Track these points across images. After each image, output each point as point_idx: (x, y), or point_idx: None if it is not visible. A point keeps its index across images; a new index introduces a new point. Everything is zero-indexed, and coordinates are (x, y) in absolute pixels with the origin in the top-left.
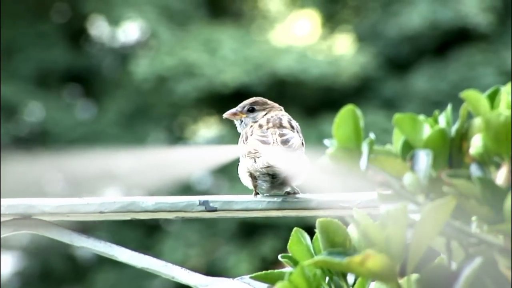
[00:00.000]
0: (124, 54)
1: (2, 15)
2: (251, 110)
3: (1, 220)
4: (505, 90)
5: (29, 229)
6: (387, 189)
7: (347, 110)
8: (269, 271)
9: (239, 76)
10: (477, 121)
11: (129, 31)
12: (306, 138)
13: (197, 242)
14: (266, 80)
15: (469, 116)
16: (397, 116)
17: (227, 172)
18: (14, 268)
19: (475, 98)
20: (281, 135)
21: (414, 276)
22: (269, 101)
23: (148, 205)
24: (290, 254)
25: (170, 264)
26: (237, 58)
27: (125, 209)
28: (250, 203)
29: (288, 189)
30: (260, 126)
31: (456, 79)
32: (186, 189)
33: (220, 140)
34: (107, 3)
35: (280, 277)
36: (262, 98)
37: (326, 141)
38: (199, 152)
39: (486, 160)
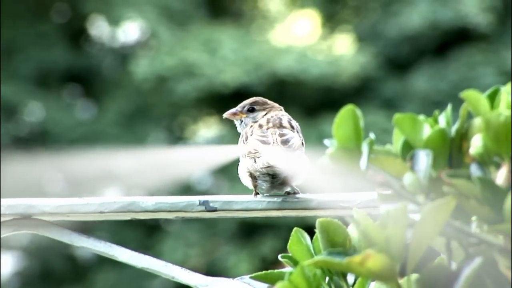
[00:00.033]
0: (124, 54)
1: (2, 15)
2: (251, 110)
3: (1, 220)
4: (505, 90)
5: (29, 229)
6: (387, 189)
7: (347, 110)
8: (269, 271)
9: (239, 76)
10: (477, 121)
11: (129, 31)
12: (306, 138)
13: (197, 242)
14: (266, 80)
15: (469, 116)
16: (397, 116)
17: (227, 172)
18: (14, 268)
19: (475, 98)
20: (281, 135)
21: (414, 276)
22: (269, 101)
23: (148, 205)
24: (290, 254)
25: (170, 264)
26: (237, 58)
27: (125, 209)
28: (250, 203)
29: (288, 189)
30: (260, 126)
31: (456, 79)
32: (186, 189)
33: (220, 140)
34: (107, 3)
35: (280, 277)
36: (262, 98)
37: (326, 141)
38: (199, 152)
39: (486, 160)
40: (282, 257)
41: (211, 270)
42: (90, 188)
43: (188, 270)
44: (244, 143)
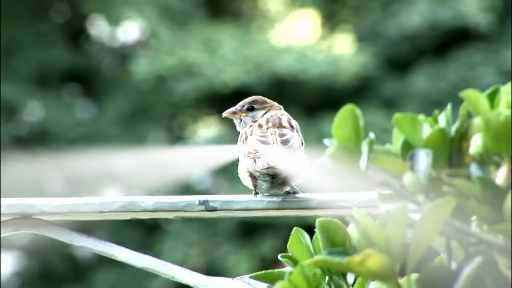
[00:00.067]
0: (124, 54)
1: (2, 15)
2: (251, 109)
3: (1, 220)
4: (504, 89)
5: (29, 228)
6: (387, 189)
7: (347, 110)
8: (269, 270)
9: (238, 75)
10: (477, 121)
11: (129, 30)
12: (306, 138)
13: (197, 241)
14: (266, 80)
15: (469, 116)
16: (396, 115)
17: (227, 172)
18: (14, 268)
19: (475, 97)
20: (281, 135)
21: (414, 276)
22: (268, 100)
23: (148, 204)
24: (290, 254)
25: (170, 264)
26: (237, 58)
27: (125, 209)
28: (250, 203)
29: (288, 188)
30: (260, 126)
31: (456, 78)
32: (186, 189)
33: (219, 140)
34: (107, 3)
35: (280, 276)
36: (261, 97)
37: (326, 141)
38: (199, 152)
39: (486, 160)
40: (282, 256)
41: (211, 269)
42: (90, 188)
43: (188, 270)
44: (243, 142)
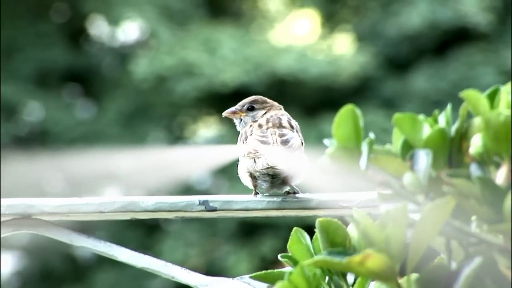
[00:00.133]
0: (124, 54)
1: (2, 15)
2: (251, 108)
3: (1, 220)
4: (504, 89)
5: (29, 229)
6: (387, 189)
7: (347, 110)
8: (268, 270)
9: (238, 75)
10: (477, 121)
11: (129, 30)
12: (306, 138)
13: (197, 241)
14: (265, 80)
15: (469, 116)
16: (396, 115)
17: (227, 172)
18: (14, 268)
19: (474, 97)
20: (281, 135)
21: (414, 276)
22: (268, 100)
23: (148, 205)
24: (290, 254)
25: (170, 264)
26: (237, 58)
27: (125, 209)
28: (250, 203)
29: (288, 188)
30: (260, 126)
31: (455, 78)
32: (186, 189)
33: (219, 140)
34: (106, 3)
35: (280, 276)
36: (261, 97)
37: (326, 141)
38: (199, 152)
39: (486, 160)
40: (282, 256)
41: (211, 269)
42: (90, 188)
43: (188, 270)
44: (243, 142)
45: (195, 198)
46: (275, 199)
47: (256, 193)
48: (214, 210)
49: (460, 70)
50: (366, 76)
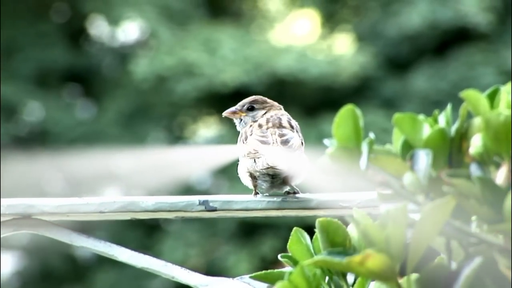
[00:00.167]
0: (124, 54)
1: (2, 15)
2: (251, 108)
3: (1, 220)
4: (504, 89)
5: (29, 229)
6: (387, 189)
7: (347, 110)
8: (269, 270)
9: (238, 75)
10: (477, 121)
11: (129, 30)
12: (306, 138)
13: (197, 242)
14: (265, 80)
15: (469, 116)
16: (396, 115)
17: (227, 172)
18: (14, 268)
19: (474, 97)
20: (281, 135)
21: (414, 276)
22: (268, 100)
23: (148, 205)
24: (290, 254)
25: (170, 264)
26: (237, 58)
27: (125, 209)
28: (250, 203)
29: (288, 188)
30: (260, 126)
31: (455, 78)
32: (186, 189)
33: (219, 140)
34: (106, 3)
35: (280, 276)
36: (261, 97)
37: (326, 141)
38: (199, 152)
39: (486, 160)
40: (282, 256)
41: (211, 269)
42: (90, 188)
43: (188, 270)
44: (243, 142)
45: (195, 198)
46: (275, 199)
47: (256, 193)
48: (214, 210)
49: (460, 70)
50: (366, 76)
